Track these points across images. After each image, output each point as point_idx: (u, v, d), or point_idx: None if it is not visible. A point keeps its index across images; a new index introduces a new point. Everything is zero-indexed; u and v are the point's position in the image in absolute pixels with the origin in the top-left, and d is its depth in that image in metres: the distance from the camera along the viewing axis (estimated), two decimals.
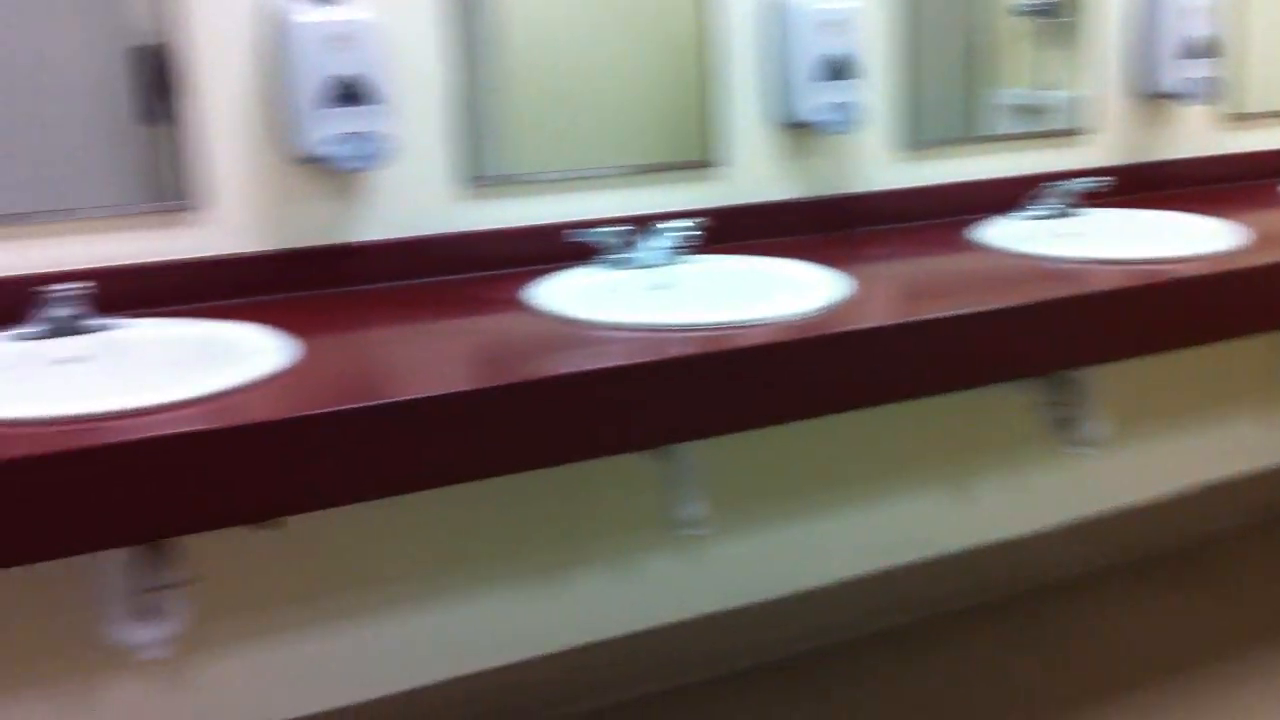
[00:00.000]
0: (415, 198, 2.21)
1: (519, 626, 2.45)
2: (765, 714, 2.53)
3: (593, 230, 2.22)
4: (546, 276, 2.17)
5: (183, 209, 2.04)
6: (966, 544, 2.90)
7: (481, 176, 2.26)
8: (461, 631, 2.39)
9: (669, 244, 2.23)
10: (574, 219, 2.30)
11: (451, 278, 2.23)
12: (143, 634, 1.88)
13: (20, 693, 2.05)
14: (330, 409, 1.58)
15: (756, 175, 2.53)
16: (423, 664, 2.37)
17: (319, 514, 1.67)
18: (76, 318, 1.84)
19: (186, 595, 1.90)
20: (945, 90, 2.75)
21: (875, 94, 2.61)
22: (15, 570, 1.48)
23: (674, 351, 1.80)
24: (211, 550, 2.04)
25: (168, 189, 2.03)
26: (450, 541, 2.35)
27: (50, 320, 1.83)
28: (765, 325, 1.91)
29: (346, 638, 2.29)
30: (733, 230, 2.45)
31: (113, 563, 1.83)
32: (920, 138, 2.71)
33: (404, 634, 2.34)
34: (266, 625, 2.22)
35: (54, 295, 1.83)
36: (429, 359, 1.84)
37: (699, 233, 2.26)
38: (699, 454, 2.31)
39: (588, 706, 2.54)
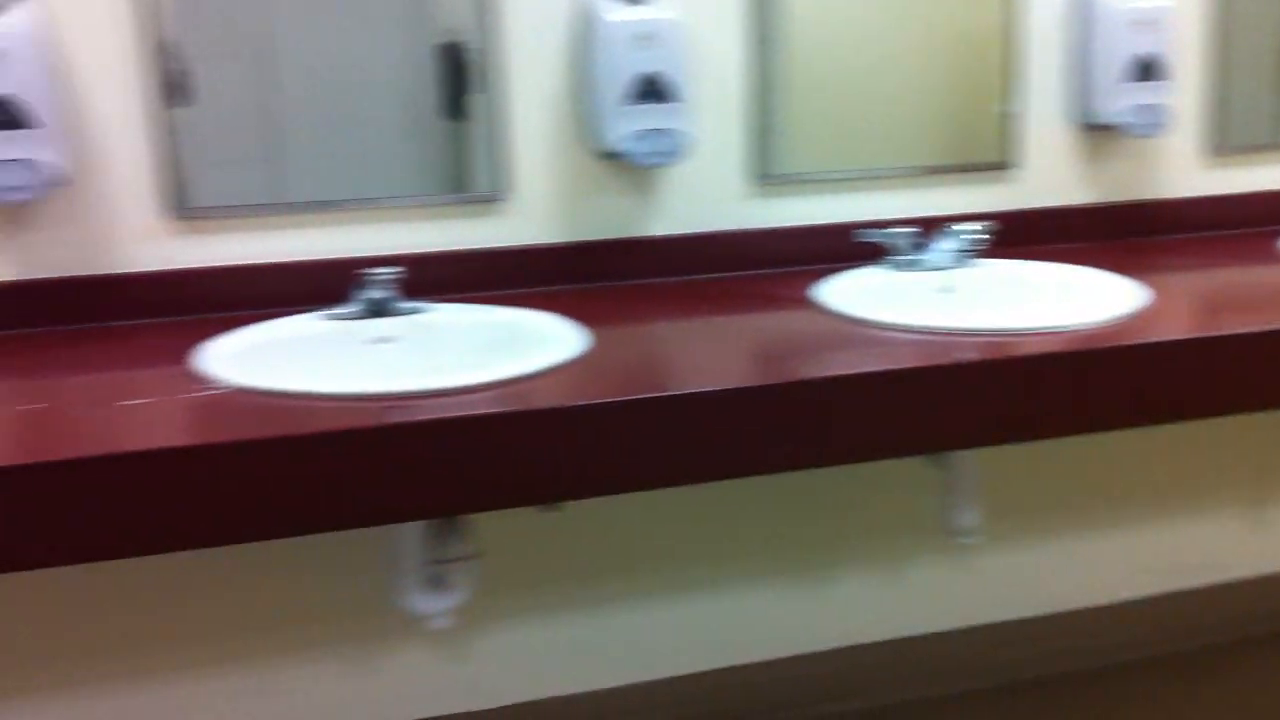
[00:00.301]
0: (707, 194, 2.25)
1: (783, 623, 2.46)
2: None
3: (880, 231, 2.21)
4: (833, 275, 2.17)
5: (488, 200, 2.13)
6: (1260, 570, 2.76)
7: (770, 174, 2.28)
8: (726, 624, 2.42)
9: (957, 246, 2.20)
10: (861, 219, 2.30)
11: (739, 274, 2.25)
12: (431, 604, 1.98)
13: (312, 652, 2.18)
14: (618, 399, 1.63)
15: (1052, 178, 2.47)
16: (688, 652, 2.41)
17: (597, 499, 1.73)
18: (388, 300, 1.95)
19: (471, 569, 1.99)
20: (1256, 92, 2.62)
21: (1183, 96, 2.51)
22: (317, 537, 1.58)
23: (959, 356, 1.78)
24: (493, 528, 2.12)
25: (473, 181, 2.13)
26: (721, 533, 2.38)
27: (364, 301, 1.94)
28: (1055, 333, 1.87)
29: (616, 621, 2.35)
30: (1024, 234, 2.40)
31: (407, 535, 1.94)
32: (1229, 142, 2.58)
33: (671, 621, 2.38)
34: (541, 603, 2.30)
35: (368, 278, 1.94)
36: (715, 354, 1.87)
37: (988, 236, 2.22)
38: (977, 461, 2.28)
39: (845, 708, 2.52)
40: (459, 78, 2.10)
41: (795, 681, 2.49)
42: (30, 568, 1.46)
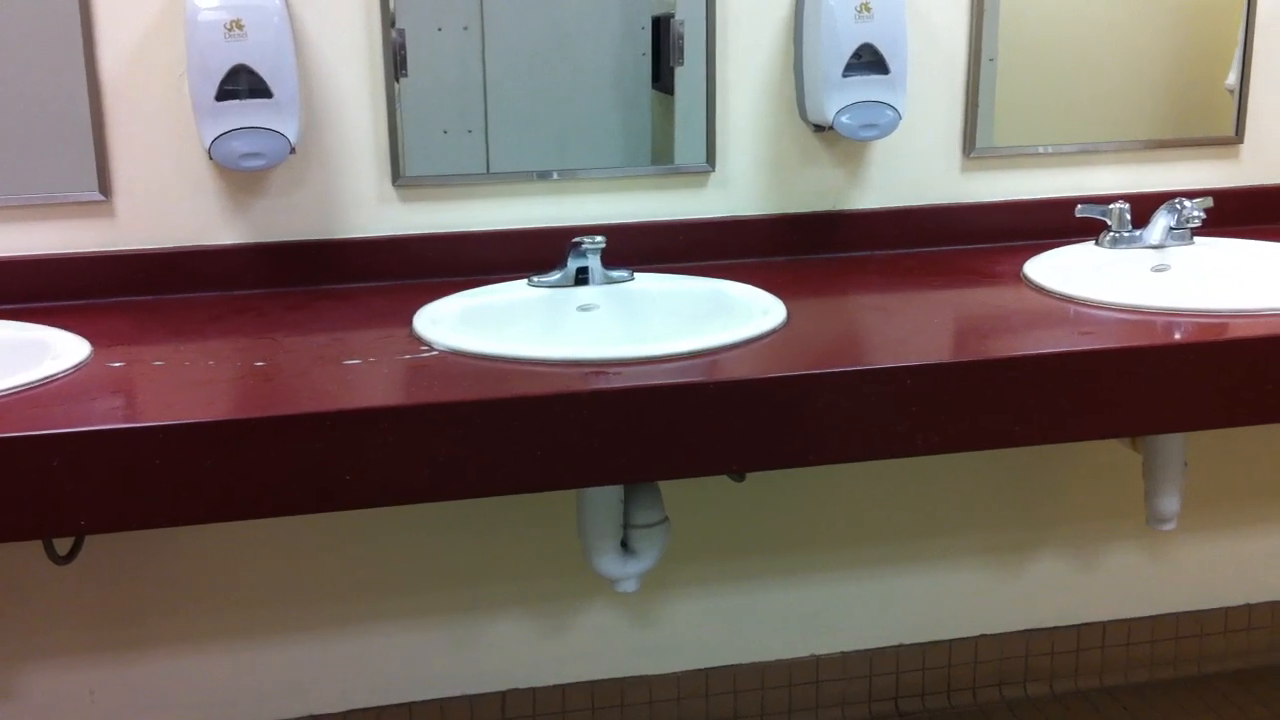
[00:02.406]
0: (916, 167, 2.23)
1: (969, 603, 2.44)
2: None
3: (1094, 206, 2.16)
4: (1045, 252, 2.13)
5: (696, 172, 2.15)
6: None
7: (982, 147, 2.24)
8: (910, 601, 2.42)
9: (1175, 223, 2.13)
10: (1075, 194, 2.24)
11: (948, 249, 2.23)
12: (621, 568, 2.03)
13: (509, 608, 2.26)
14: (817, 371, 1.64)
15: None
16: (870, 628, 2.42)
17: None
18: (594, 269, 1.98)
19: (661, 535, 2.03)
20: None
21: None
22: (514, 497, 1.63)
23: (1171, 337, 1.73)
24: (681, 496, 2.16)
25: (680, 153, 2.15)
26: (911, 508, 2.37)
27: (572, 269, 1.98)
28: (1274, 315, 1.80)
29: (799, 593, 2.36)
30: (1248, 212, 2.31)
31: (603, 498, 1.98)
32: None
33: (854, 596, 2.39)
34: (725, 572, 2.33)
35: (575, 247, 1.98)
36: (918, 329, 1.85)
37: (1207, 213, 2.14)
38: (1182, 446, 2.21)
39: (1027, 693, 2.49)
40: (669, 50, 2.12)
41: (978, 663, 2.47)
42: (253, 517, 1.56)
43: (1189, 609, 2.54)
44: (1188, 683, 2.53)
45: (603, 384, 1.60)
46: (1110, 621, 2.51)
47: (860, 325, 1.90)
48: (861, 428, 1.67)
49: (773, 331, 1.78)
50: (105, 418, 1.50)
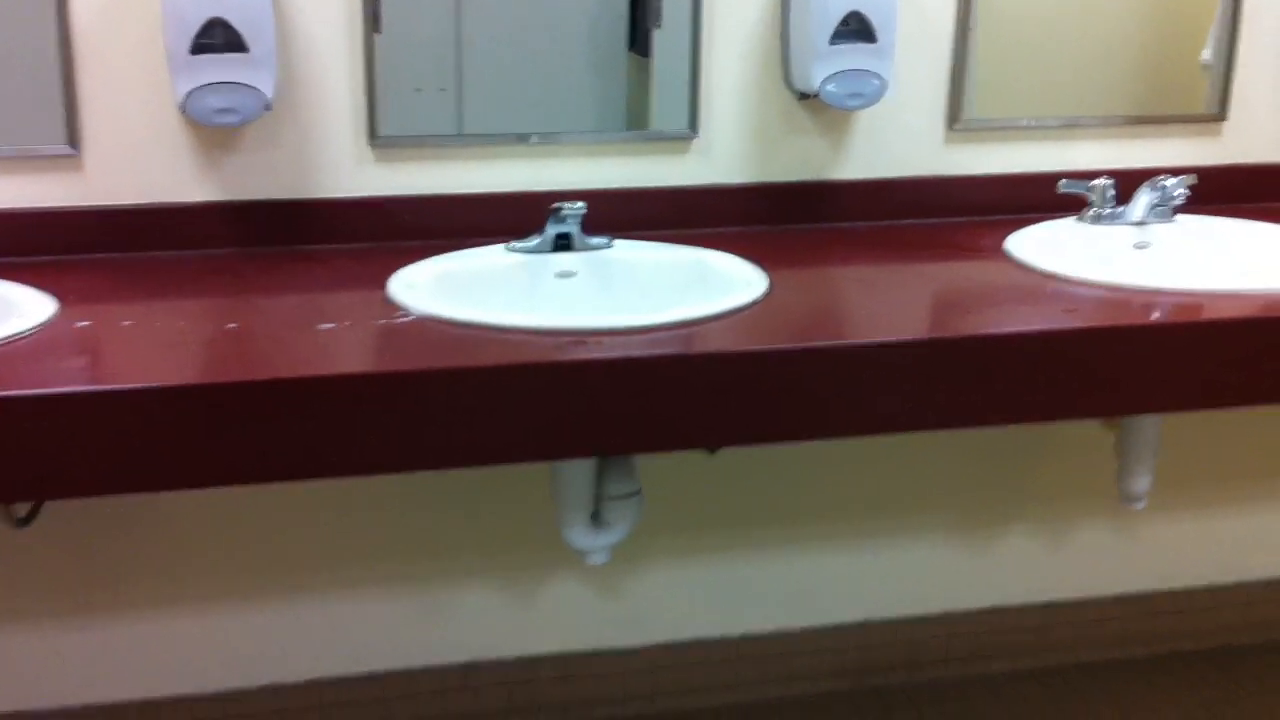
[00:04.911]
0: (899, 139, 2.20)
1: (939, 579, 2.44)
2: (1180, 700, 2.43)
3: (1077, 182, 2.14)
4: (1026, 227, 2.11)
5: (676, 138, 2.12)
6: None
7: (966, 120, 2.22)
8: (880, 577, 2.41)
9: (1157, 201, 2.12)
10: (1058, 169, 2.22)
11: (929, 221, 2.21)
12: (591, 539, 2.00)
13: (476, 578, 2.24)
14: (798, 346, 1.63)
15: (1268, 132, 2.35)
16: (840, 603, 2.41)
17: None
18: (573, 235, 1.95)
19: (633, 507, 2.01)
20: None
21: None
22: (492, 470, 1.60)
23: (1150, 317, 1.72)
24: (654, 468, 2.12)
25: (660, 118, 2.12)
26: (883, 484, 2.36)
27: (549, 236, 1.95)
28: (1254, 296, 1.79)
29: (771, 567, 2.35)
30: (1230, 191, 2.29)
31: (574, 470, 1.96)
32: None
33: (825, 571, 2.38)
34: (697, 545, 2.31)
35: (553, 213, 1.95)
36: (898, 303, 1.84)
37: (1190, 191, 2.12)
38: (1156, 426, 2.21)
39: (995, 669, 2.50)
40: (648, 12, 2.09)
41: (947, 639, 2.47)
42: (221, 484, 1.53)
43: (1159, 588, 2.55)
44: (1157, 661, 2.54)
45: (583, 354, 1.57)
46: (1080, 599, 2.51)
47: (842, 298, 1.89)
48: (841, 404, 1.65)
49: (754, 304, 1.75)
50: (71, 379, 1.47)
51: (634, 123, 2.13)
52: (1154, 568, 2.54)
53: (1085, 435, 2.33)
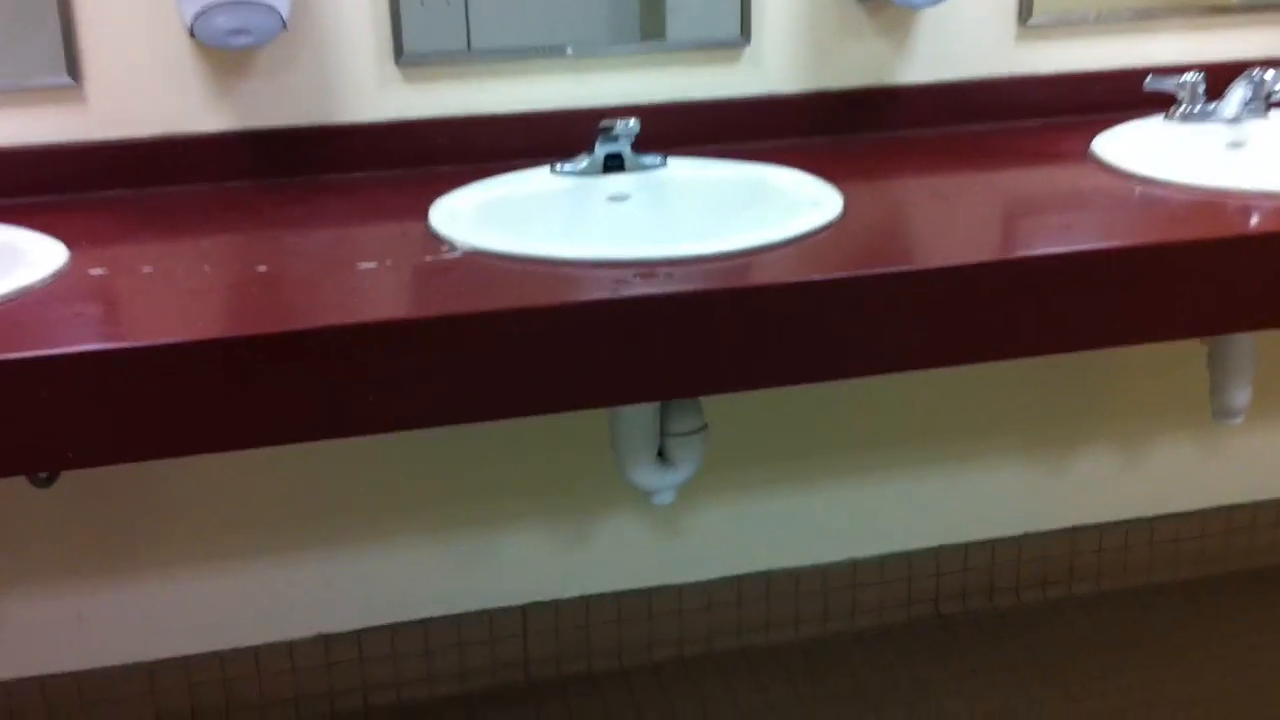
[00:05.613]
0: (967, 37, 2.03)
1: (1013, 502, 2.32)
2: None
3: (1163, 78, 1.98)
4: (1111, 127, 1.95)
5: (727, 45, 1.95)
6: None
7: (1038, 14, 2.04)
8: (954, 501, 2.29)
9: (1253, 95, 1.96)
10: (1141, 64, 2.06)
11: (1002, 125, 2.05)
12: (659, 479, 1.88)
13: (528, 519, 2.11)
14: (891, 270, 1.49)
15: None
16: (913, 530, 2.30)
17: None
18: (623, 154, 1.80)
19: (700, 444, 1.88)
20: None
21: None
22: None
23: (1250, 224, 1.58)
24: (711, 399, 2.01)
25: (706, 25, 1.95)
26: (943, 407, 2.23)
27: (598, 155, 1.80)
28: None
29: (831, 496, 2.23)
30: None
31: (639, 408, 1.82)
32: None
33: (897, 498, 2.26)
34: (754, 477, 2.19)
35: (602, 131, 1.80)
36: (987, 217, 1.70)
37: None
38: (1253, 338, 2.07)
39: (1073, 591, 2.39)
40: None
41: (1021, 563, 2.36)
42: (263, 444, 1.39)
43: (1241, 501, 2.42)
44: (1236, 577, 2.43)
45: (652, 289, 1.43)
46: (1158, 516, 2.39)
47: (923, 216, 1.73)
48: (926, 333, 1.51)
49: (830, 224, 1.61)
50: (92, 337, 1.32)
51: (679, 31, 1.96)
52: (1237, 482, 2.41)
53: (1166, 348, 2.18)
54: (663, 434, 1.85)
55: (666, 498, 1.91)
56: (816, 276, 1.46)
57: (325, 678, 2.09)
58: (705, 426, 1.85)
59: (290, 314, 1.39)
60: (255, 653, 2.06)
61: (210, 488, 1.97)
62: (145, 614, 2.01)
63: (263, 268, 1.52)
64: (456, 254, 1.53)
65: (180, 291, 1.46)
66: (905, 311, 1.49)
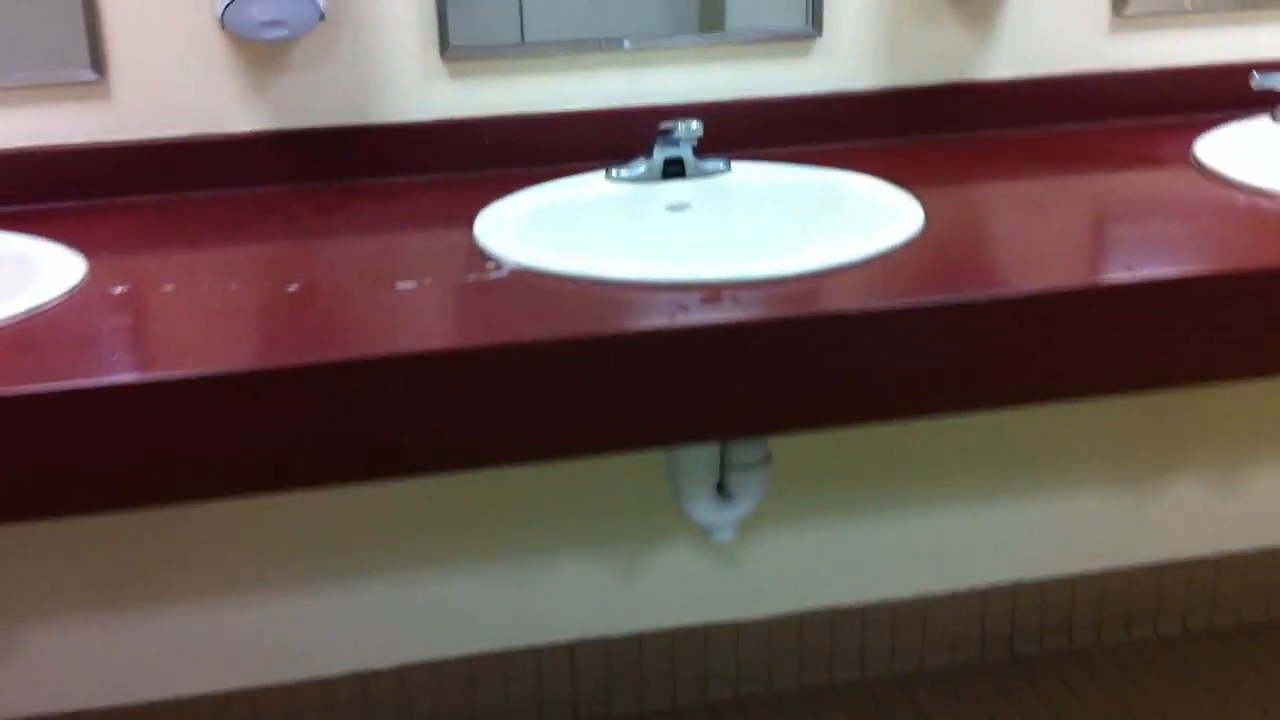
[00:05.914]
0: (1056, 29, 1.88)
1: (1095, 536, 2.17)
2: None
3: (1273, 74, 1.81)
4: (1213, 129, 1.80)
5: (796, 38, 1.81)
6: None
7: (1133, 3, 1.88)
8: (1032, 534, 2.15)
9: None
10: (1242, 59, 1.91)
11: (1094, 125, 1.90)
12: (719, 514, 1.77)
13: (578, 550, 2.00)
14: (990, 296, 1.35)
15: None
16: (989, 562, 2.15)
17: None
18: (684, 158, 1.67)
19: (763, 477, 1.77)
20: None
21: None
22: None
23: None
24: None
25: (774, 16, 1.81)
26: (1019, 434, 2.08)
27: (657, 159, 1.67)
28: None
29: (901, 528, 2.09)
30: None
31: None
32: None
33: (971, 530, 2.12)
34: (819, 506, 2.06)
35: (661, 132, 1.67)
36: (1085, 232, 1.57)
37: None
38: None
39: (1161, 631, 2.25)
40: None
41: (1104, 601, 2.21)
42: (293, 488, 1.27)
43: None
44: None
45: (717, 315, 1.30)
46: (1253, 552, 2.24)
47: (1018, 229, 1.59)
48: (1021, 365, 1.38)
49: (911, 240, 1.47)
50: (112, 368, 1.21)
51: (738, 20, 1.82)
52: None
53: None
54: (723, 466, 1.72)
55: (726, 535, 1.80)
56: (900, 303, 1.33)
57: (362, 717, 1.98)
58: (769, 458, 1.72)
59: (319, 342, 1.27)
60: (290, 690, 1.95)
61: (239, 516, 1.85)
62: (173, 648, 1.90)
63: (293, 287, 1.40)
64: (503, 273, 1.41)
65: (203, 313, 1.34)
66: (998, 341, 1.35)
